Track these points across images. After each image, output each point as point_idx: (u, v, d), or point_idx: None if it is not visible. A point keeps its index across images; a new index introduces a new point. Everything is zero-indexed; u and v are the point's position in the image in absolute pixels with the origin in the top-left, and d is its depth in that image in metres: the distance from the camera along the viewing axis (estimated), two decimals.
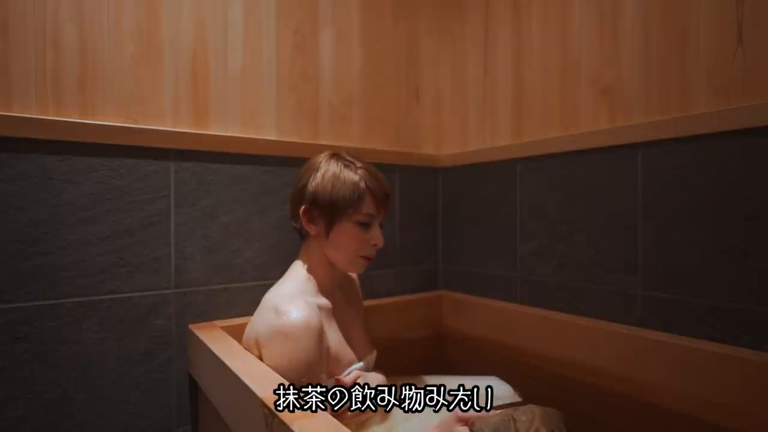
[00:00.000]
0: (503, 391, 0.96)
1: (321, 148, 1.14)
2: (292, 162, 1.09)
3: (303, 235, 0.91)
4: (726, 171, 0.80)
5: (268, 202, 1.06)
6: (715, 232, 0.81)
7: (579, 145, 1.01)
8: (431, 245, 1.40)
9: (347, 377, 0.81)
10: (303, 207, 0.84)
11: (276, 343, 0.73)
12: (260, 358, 0.76)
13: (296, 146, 1.09)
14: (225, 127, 1.02)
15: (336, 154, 0.88)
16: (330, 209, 0.82)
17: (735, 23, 0.79)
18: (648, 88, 0.91)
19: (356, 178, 0.83)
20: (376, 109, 1.28)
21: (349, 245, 0.84)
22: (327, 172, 0.84)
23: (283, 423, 0.51)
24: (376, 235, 0.86)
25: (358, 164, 0.86)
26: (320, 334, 0.76)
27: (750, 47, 0.78)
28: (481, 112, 1.29)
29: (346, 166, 0.85)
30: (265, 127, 1.08)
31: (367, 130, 1.26)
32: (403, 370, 1.07)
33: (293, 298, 0.78)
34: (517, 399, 0.94)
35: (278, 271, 1.06)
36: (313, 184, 0.84)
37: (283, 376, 0.68)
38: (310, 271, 0.87)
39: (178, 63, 0.96)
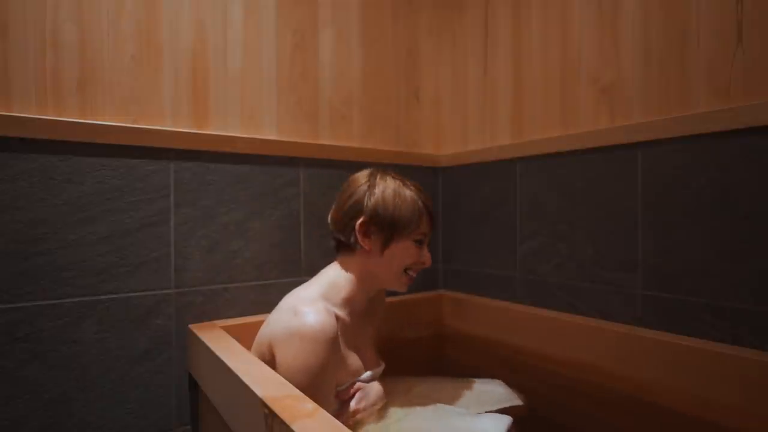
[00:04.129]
0: (504, 395, 0.96)
1: (321, 148, 1.14)
2: (292, 162, 1.09)
3: (345, 247, 0.87)
4: (726, 171, 0.80)
5: (268, 202, 1.06)
6: (714, 232, 0.81)
7: (579, 145, 1.01)
8: (431, 245, 1.40)
9: (344, 389, 0.80)
10: (361, 221, 0.83)
11: (290, 345, 0.72)
12: (273, 358, 0.75)
13: (296, 146, 1.09)
14: (225, 127, 1.02)
15: (384, 171, 0.89)
16: (390, 226, 0.83)
17: (735, 23, 0.79)
18: (648, 87, 0.91)
19: (415, 196, 0.85)
20: (376, 109, 1.28)
21: (402, 262, 0.86)
22: (387, 189, 0.84)
23: (283, 423, 0.51)
24: (426, 255, 0.88)
25: (409, 182, 0.88)
26: (335, 342, 0.74)
27: (750, 47, 0.78)
28: (481, 111, 1.29)
29: (403, 184, 0.86)
30: (265, 127, 1.08)
31: (367, 130, 1.26)
32: (403, 371, 1.06)
33: (314, 302, 0.77)
34: (518, 402, 0.94)
35: (278, 271, 1.06)
36: (373, 200, 0.83)
37: (291, 378, 0.68)
38: (342, 281, 0.85)
39: (177, 63, 0.96)
